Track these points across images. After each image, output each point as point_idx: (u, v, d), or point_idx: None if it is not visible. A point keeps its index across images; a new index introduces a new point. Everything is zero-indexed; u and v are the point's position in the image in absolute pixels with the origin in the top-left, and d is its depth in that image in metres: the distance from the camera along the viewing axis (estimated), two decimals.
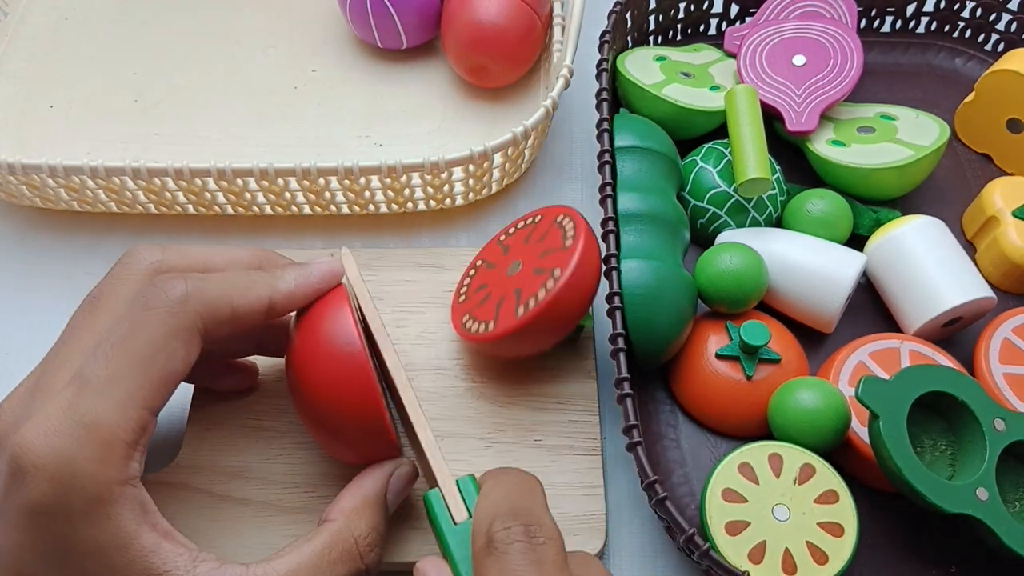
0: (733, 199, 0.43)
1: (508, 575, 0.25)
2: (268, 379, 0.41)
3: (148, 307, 0.29)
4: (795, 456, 0.36)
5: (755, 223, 0.44)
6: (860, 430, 0.37)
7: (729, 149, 0.44)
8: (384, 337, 0.36)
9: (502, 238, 0.43)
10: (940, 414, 0.36)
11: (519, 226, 0.42)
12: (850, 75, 0.46)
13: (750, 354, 0.39)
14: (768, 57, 0.48)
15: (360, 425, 0.32)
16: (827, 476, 0.35)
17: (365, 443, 0.33)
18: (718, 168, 0.44)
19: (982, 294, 0.40)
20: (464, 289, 0.42)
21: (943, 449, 0.36)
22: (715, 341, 0.40)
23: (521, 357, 0.41)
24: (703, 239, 0.45)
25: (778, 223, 0.45)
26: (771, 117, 0.47)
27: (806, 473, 0.35)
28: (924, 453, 0.36)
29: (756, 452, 0.36)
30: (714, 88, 0.48)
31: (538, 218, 0.42)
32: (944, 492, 0.32)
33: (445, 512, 0.32)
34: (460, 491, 0.32)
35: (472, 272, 0.43)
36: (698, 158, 0.45)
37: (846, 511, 0.34)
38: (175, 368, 0.30)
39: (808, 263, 0.41)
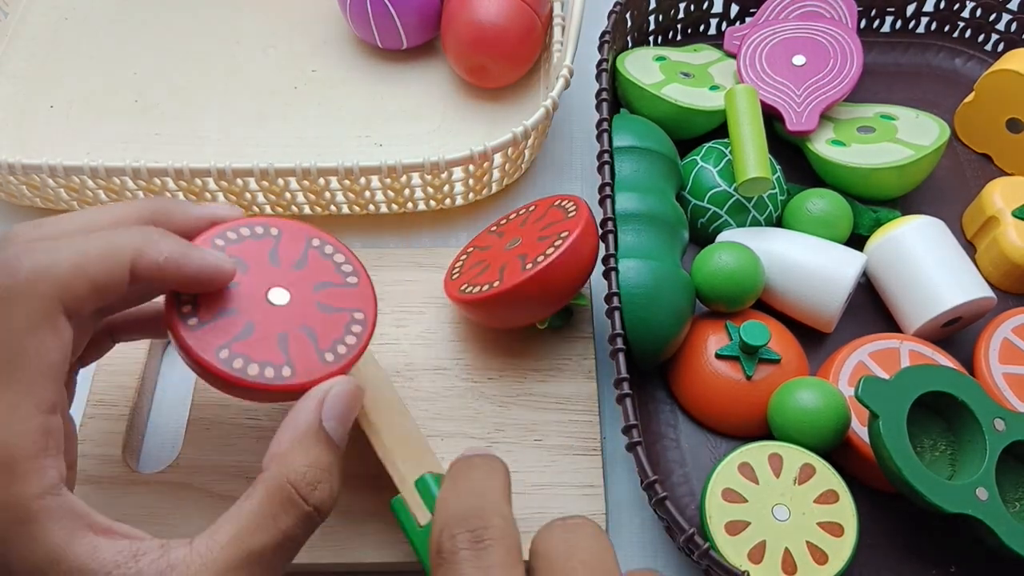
0: (733, 198, 0.43)
1: None
2: None
3: None
4: (795, 456, 0.36)
5: (755, 222, 0.44)
6: (860, 430, 0.37)
7: (729, 148, 0.44)
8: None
9: (493, 228, 0.43)
10: (940, 414, 0.36)
11: (511, 217, 0.43)
12: (850, 75, 0.46)
13: (750, 354, 0.39)
14: (768, 57, 0.48)
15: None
16: (827, 476, 0.35)
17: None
18: (718, 167, 0.44)
19: (982, 294, 0.40)
20: (457, 268, 0.42)
21: (943, 449, 0.36)
22: (715, 341, 0.40)
23: (516, 324, 0.41)
24: (703, 239, 0.45)
25: (778, 223, 0.45)
26: (771, 117, 0.47)
27: (806, 473, 0.35)
28: (924, 453, 0.36)
29: (756, 452, 0.36)
30: (714, 88, 0.48)
31: (532, 207, 0.42)
32: (944, 492, 0.32)
33: (409, 516, 0.31)
34: (421, 492, 0.32)
35: (463, 258, 0.43)
36: (698, 157, 0.45)
37: (846, 511, 0.34)
38: (52, 359, 0.26)
39: (808, 263, 0.41)
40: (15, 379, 0.26)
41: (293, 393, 0.30)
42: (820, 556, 0.33)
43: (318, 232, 0.35)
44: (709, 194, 0.44)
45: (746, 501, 0.35)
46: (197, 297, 0.31)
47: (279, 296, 0.32)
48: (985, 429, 0.34)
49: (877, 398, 0.34)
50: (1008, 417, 0.35)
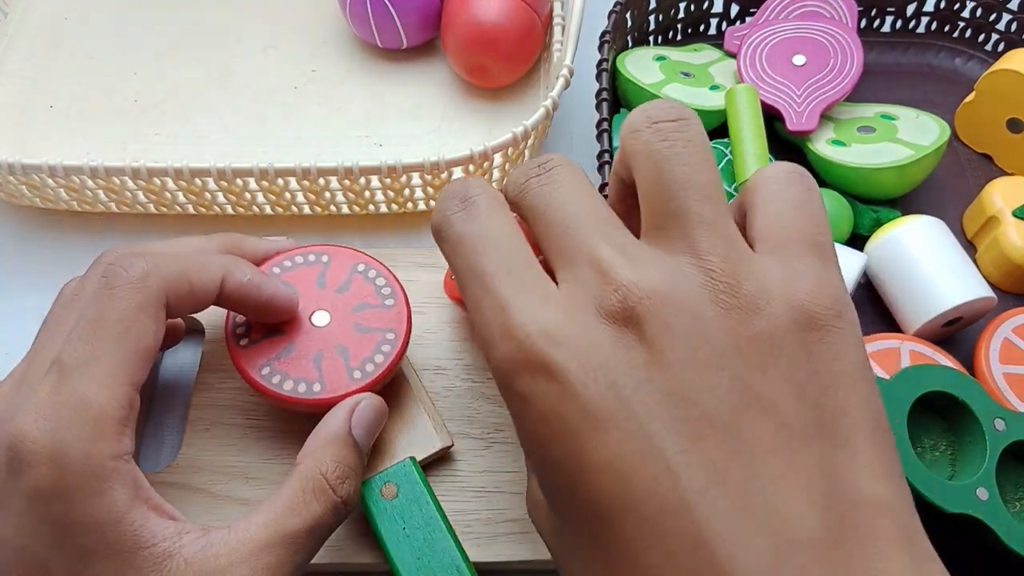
0: (733, 198, 0.43)
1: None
2: None
3: (111, 286, 0.30)
4: None
5: None
6: None
7: (729, 148, 0.44)
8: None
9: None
10: (940, 414, 0.36)
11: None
12: (850, 75, 0.46)
13: None
14: (768, 57, 0.48)
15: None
16: None
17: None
18: (719, 167, 0.44)
19: (982, 294, 0.40)
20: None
21: (943, 449, 0.36)
22: None
23: None
24: None
25: None
26: (771, 117, 0.47)
27: None
28: (924, 453, 0.36)
29: None
30: (714, 88, 0.48)
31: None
32: (944, 492, 0.32)
33: (375, 496, 0.35)
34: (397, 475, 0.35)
35: None
36: None
37: None
38: (148, 343, 0.30)
39: None
40: (120, 351, 0.29)
41: (322, 406, 0.35)
42: None
43: (365, 258, 0.38)
44: None
45: None
46: (248, 320, 0.36)
47: (320, 318, 0.36)
48: (985, 429, 0.34)
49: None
50: (1008, 417, 0.35)
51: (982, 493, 0.33)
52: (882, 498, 0.21)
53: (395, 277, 0.38)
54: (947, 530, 0.37)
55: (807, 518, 0.20)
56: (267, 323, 0.36)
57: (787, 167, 0.26)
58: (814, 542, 0.20)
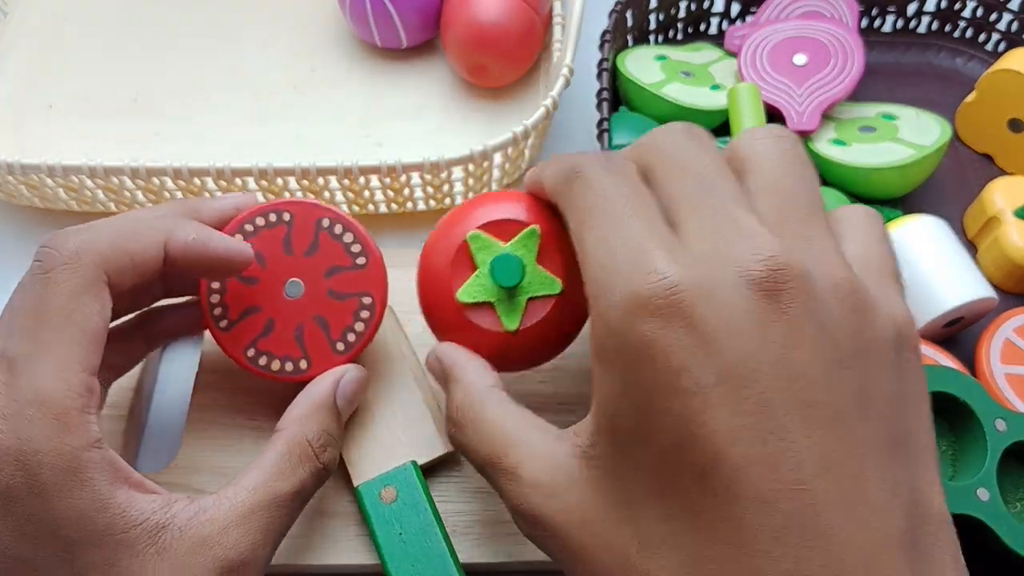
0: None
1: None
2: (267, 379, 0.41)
3: (46, 270, 0.29)
4: None
5: None
6: None
7: None
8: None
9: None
10: (941, 414, 0.36)
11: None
12: (851, 75, 0.46)
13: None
14: (769, 56, 0.48)
15: None
16: None
17: None
18: None
19: (984, 294, 0.40)
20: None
21: (944, 449, 0.36)
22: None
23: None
24: None
25: None
26: (772, 116, 0.47)
27: None
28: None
29: None
30: (714, 88, 0.48)
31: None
32: (944, 492, 0.32)
33: (376, 500, 0.35)
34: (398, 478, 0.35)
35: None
36: None
37: None
38: (94, 325, 0.29)
39: None
40: (63, 340, 0.28)
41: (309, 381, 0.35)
42: None
43: (327, 210, 0.36)
44: None
45: None
46: (224, 297, 0.35)
47: (294, 288, 0.35)
48: (986, 430, 0.34)
49: None
50: (1009, 418, 0.35)
51: (983, 494, 0.33)
52: (943, 514, 0.24)
53: (362, 230, 0.36)
54: None
55: (898, 520, 0.22)
56: (242, 301, 0.35)
57: (864, 209, 0.27)
58: (902, 544, 0.21)
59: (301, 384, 0.35)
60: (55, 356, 0.28)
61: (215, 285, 0.36)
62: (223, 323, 0.35)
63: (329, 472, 0.33)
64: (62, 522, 0.27)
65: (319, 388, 0.34)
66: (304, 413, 0.33)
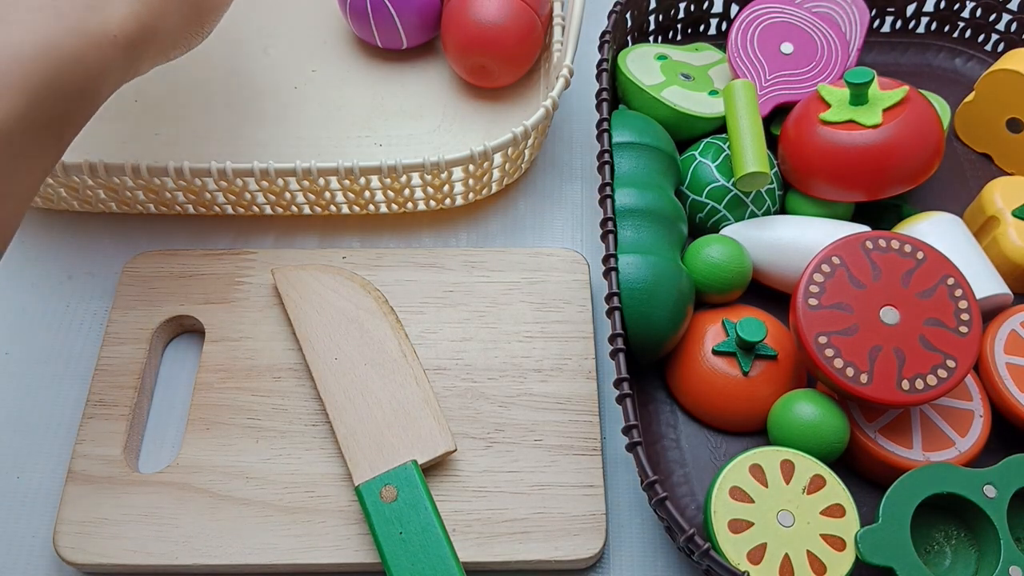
0: (732, 193, 0.43)
1: None
2: (267, 379, 0.41)
3: None
4: (807, 465, 0.36)
5: (753, 217, 0.44)
6: (867, 426, 0.37)
7: (727, 144, 0.44)
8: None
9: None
10: (944, 509, 0.36)
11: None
12: (824, 82, 0.47)
13: (746, 350, 0.39)
14: (761, 33, 0.49)
15: None
16: (837, 490, 0.35)
17: None
18: (717, 163, 0.44)
19: (999, 290, 0.40)
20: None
21: (960, 536, 0.36)
22: (712, 336, 0.40)
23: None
24: (702, 233, 0.45)
25: None
26: (777, 113, 0.47)
27: (816, 484, 0.35)
28: (945, 547, 0.36)
29: (769, 456, 0.36)
30: (713, 93, 0.48)
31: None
32: None
33: (376, 499, 0.35)
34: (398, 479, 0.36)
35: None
36: (696, 153, 0.45)
37: (851, 527, 0.34)
38: None
39: (823, 243, 0.40)
40: None
41: (860, 398, 0.35)
42: (819, 567, 0.33)
43: (956, 271, 0.37)
44: (707, 189, 0.44)
45: (752, 502, 0.35)
46: (826, 283, 0.37)
47: (889, 315, 0.36)
48: (982, 503, 0.34)
49: (880, 551, 0.33)
50: (991, 477, 0.34)
51: (1015, 572, 0.33)
52: None
53: (976, 305, 0.37)
54: None
55: None
56: (840, 296, 0.37)
57: None
58: None
59: (851, 396, 0.35)
60: None
61: (835, 260, 0.38)
62: (812, 301, 0.37)
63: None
64: None
65: None
66: None
